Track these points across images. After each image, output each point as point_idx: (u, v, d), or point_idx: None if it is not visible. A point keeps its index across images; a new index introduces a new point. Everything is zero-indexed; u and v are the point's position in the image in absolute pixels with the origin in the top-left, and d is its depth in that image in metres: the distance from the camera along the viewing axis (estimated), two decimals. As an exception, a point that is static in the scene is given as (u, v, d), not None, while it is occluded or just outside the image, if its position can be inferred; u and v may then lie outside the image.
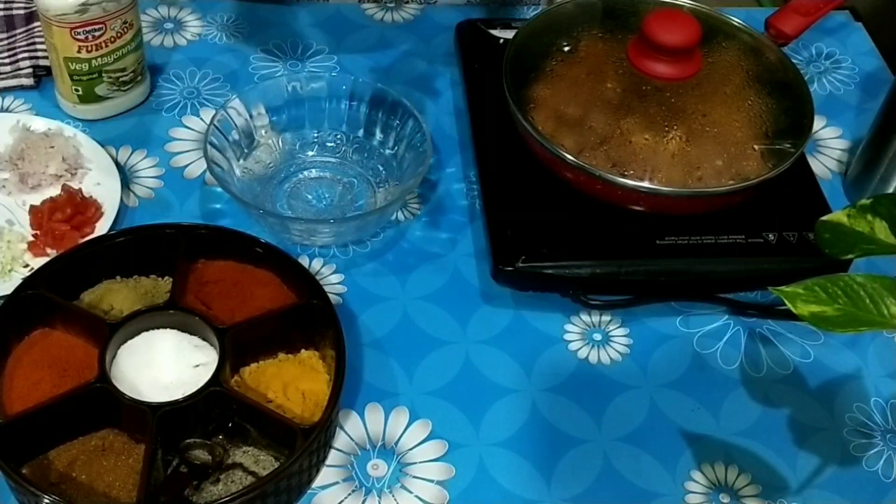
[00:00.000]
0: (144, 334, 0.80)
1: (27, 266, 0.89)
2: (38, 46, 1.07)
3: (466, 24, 1.12)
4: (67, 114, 1.03)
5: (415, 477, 0.80)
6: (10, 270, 0.88)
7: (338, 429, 0.82)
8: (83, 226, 0.92)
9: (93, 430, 0.77)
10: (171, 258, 0.85)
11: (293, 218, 0.95)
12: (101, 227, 0.92)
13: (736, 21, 1.03)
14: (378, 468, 0.80)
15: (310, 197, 0.98)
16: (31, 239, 0.91)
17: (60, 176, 0.96)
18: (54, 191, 0.94)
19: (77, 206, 0.92)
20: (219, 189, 0.97)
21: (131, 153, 1.01)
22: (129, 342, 0.80)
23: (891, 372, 0.90)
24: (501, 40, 1.08)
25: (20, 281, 0.83)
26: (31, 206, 0.93)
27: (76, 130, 1.00)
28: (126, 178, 0.98)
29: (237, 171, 0.96)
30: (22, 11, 1.12)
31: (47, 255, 0.90)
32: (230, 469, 0.77)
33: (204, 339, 0.81)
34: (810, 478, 0.82)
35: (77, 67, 0.98)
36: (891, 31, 1.41)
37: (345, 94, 1.01)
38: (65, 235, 0.90)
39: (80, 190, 0.94)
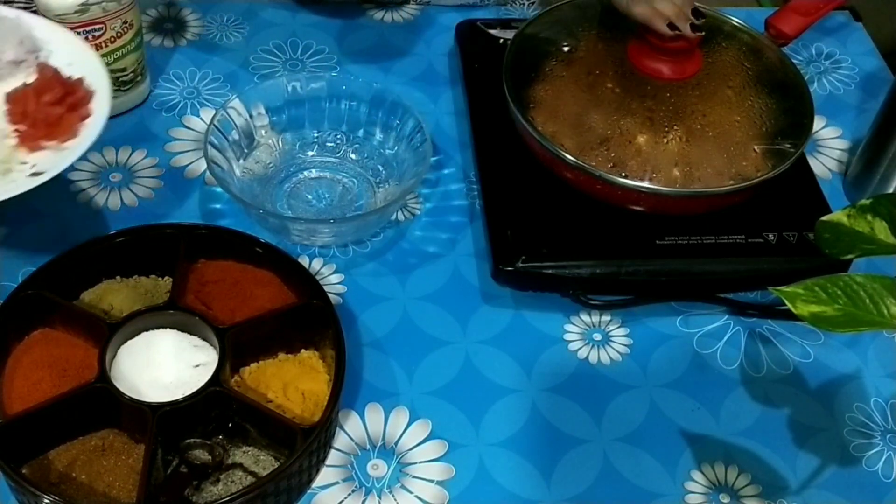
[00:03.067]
0: (144, 334, 0.80)
1: (25, 163, 0.80)
2: (38, 46, 1.06)
3: (466, 24, 1.12)
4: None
5: (415, 477, 0.80)
6: (9, 171, 0.79)
7: (338, 429, 0.82)
8: (78, 106, 0.81)
9: (93, 430, 0.77)
10: (171, 258, 0.85)
11: (293, 218, 0.95)
12: (99, 108, 0.82)
13: (736, 21, 1.03)
14: (378, 468, 0.80)
15: (310, 197, 0.98)
16: (16, 133, 0.81)
17: (21, 61, 0.86)
18: (17, 80, 0.84)
19: (65, 86, 0.81)
20: (219, 189, 0.97)
21: (131, 153, 1.01)
22: (129, 342, 0.80)
23: (891, 372, 0.90)
24: (501, 40, 1.08)
25: (24, 181, 0.75)
26: (8, 94, 0.82)
27: (18, 11, 0.90)
28: (126, 175, 0.98)
29: (237, 171, 0.96)
30: (22, 11, 1.11)
31: (43, 147, 0.80)
32: (230, 469, 0.77)
33: (204, 339, 0.81)
34: (810, 478, 0.82)
35: (77, 67, 0.98)
36: (891, 31, 1.41)
37: (345, 94, 1.01)
38: (62, 119, 0.80)
39: (58, 70, 0.83)
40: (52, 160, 0.81)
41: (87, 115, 0.81)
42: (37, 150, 0.81)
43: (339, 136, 1.02)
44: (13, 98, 0.82)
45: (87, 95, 0.84)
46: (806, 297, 0.67)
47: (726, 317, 0.93)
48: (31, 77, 0.84)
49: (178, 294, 0.82)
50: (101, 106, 0.82)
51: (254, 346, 0.82)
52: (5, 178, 0.79)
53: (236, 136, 0.97)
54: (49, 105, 0.80)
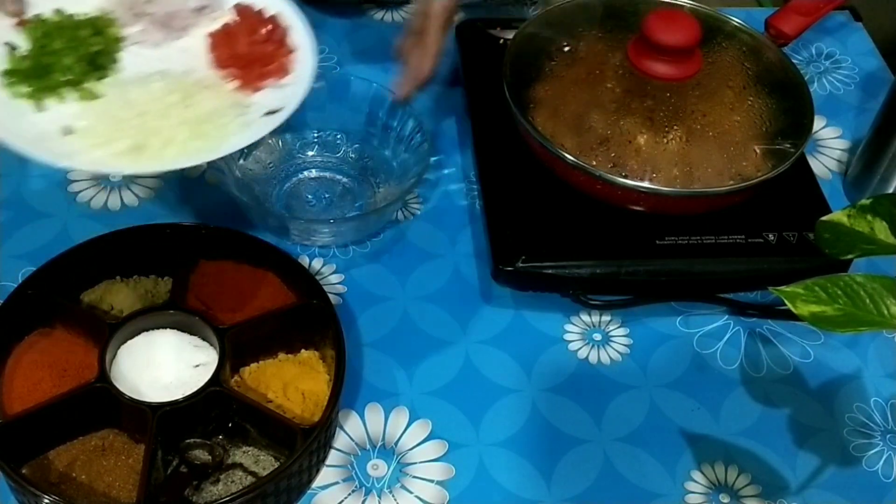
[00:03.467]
0: (144, 334, 0.80)
1: (250, 105, 0.79)
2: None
3: (466, 24, 1.12)
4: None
5: (415, 477, 0.80)
6: (242, 114, 0.78)
7: (338, 429, 0.82)
8: (282, 43, 0.80)
9: (93, 430, 0.77)
10: (171, 258, 0.85)
11: (293, 218, 0.95)
12: (302, 42, 0.81)
13: (736, 21, 1.03)
14: (378, 468, 0.80)
15: (309, 197, 0.98)
16: (231, 78, 0.80)
17: (204, 7, 0.84)
18: (202, 28, 0.83)
19: (270, 23, 0.80)
20: (219, 189, 0.97)
21: (131, 153, 1.01)
22: (129, 342, 0.80)
23: (891, 372, 0.90)
24: (501, 40, 1.08)
25: (264, 122, 0.75)
26: (212, 38, 0.80)
27: None
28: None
29: (237, 171, 0.96)
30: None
31: (262, 87, 0.80)
32: (230, 469, 0.77)
33: (204, 339, 0.81)
34: (810, 478, 0.82)
35: (78, 67, 0.97)
36: (891, 31, 1.41)
37: (345, 94, 1.01)
38: (273, 57, 0.79)
39: (260, 9, 0.82)
40: (277, 97, 0.79)
41: (292, 50, 0.80)
42: (257, 90, 0.80)
43: (339, 136, 1.02)
44: (218, 41, 0.80)
45: (285, 30, 0.82)
46: (806, 297, 0.67)
47: (726, 317, 0.93)
48: (215, 23, 0.82)
49: (179, 294, 0.82)
50: (304, 38, 0.80)
51: (254, 346, 0.82)
52: (244, 121, 0.78)
53: (236, 136, 0.97)
54: (261, 43, 0.79)
